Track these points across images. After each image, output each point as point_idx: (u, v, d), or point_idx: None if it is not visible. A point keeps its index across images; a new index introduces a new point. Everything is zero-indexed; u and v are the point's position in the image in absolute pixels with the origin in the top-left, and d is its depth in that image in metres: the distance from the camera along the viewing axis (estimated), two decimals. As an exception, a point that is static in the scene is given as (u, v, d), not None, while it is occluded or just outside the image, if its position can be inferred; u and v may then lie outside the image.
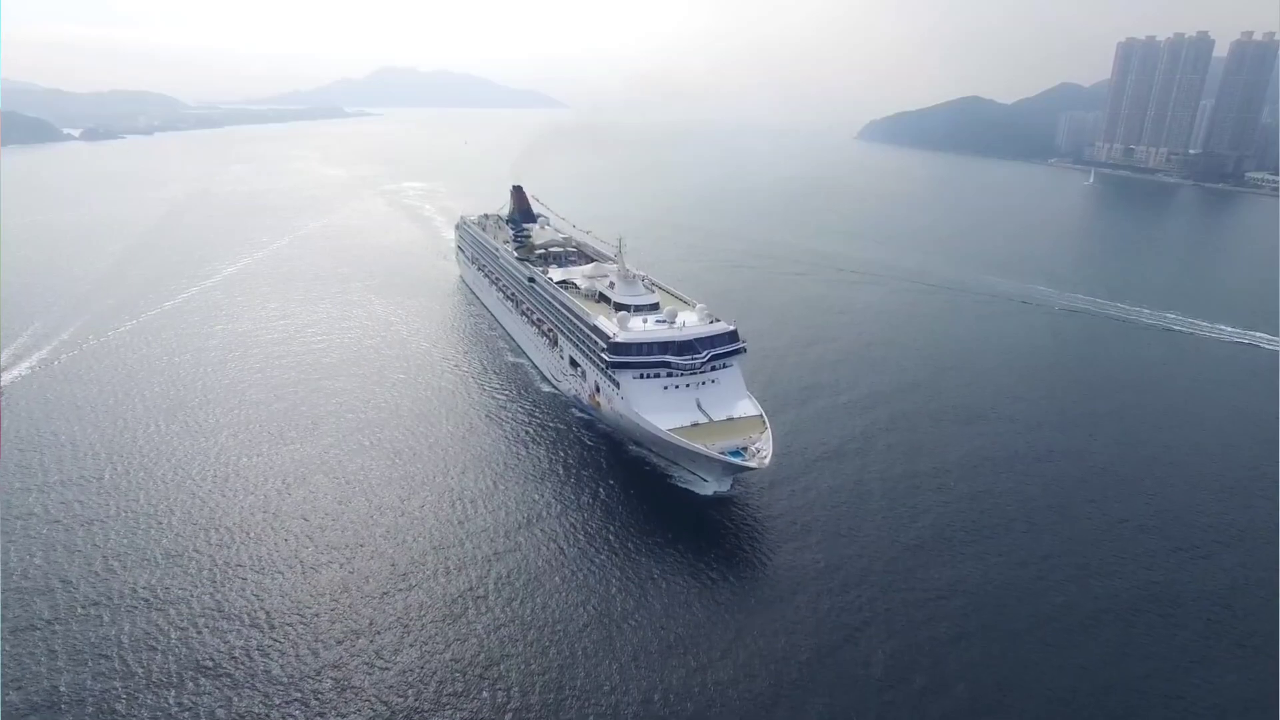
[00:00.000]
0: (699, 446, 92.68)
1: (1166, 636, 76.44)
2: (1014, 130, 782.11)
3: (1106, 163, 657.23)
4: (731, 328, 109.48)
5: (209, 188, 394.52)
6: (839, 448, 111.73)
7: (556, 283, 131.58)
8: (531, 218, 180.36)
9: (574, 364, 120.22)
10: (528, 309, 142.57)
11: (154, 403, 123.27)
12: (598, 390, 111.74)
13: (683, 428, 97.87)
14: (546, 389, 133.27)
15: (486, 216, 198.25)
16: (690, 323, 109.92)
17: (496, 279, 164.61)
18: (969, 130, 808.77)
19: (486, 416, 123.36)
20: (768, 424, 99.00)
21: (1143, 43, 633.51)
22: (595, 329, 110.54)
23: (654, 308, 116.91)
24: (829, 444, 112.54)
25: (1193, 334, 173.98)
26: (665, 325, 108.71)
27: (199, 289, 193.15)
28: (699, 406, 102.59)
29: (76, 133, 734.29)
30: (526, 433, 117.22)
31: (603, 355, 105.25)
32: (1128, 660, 72.75)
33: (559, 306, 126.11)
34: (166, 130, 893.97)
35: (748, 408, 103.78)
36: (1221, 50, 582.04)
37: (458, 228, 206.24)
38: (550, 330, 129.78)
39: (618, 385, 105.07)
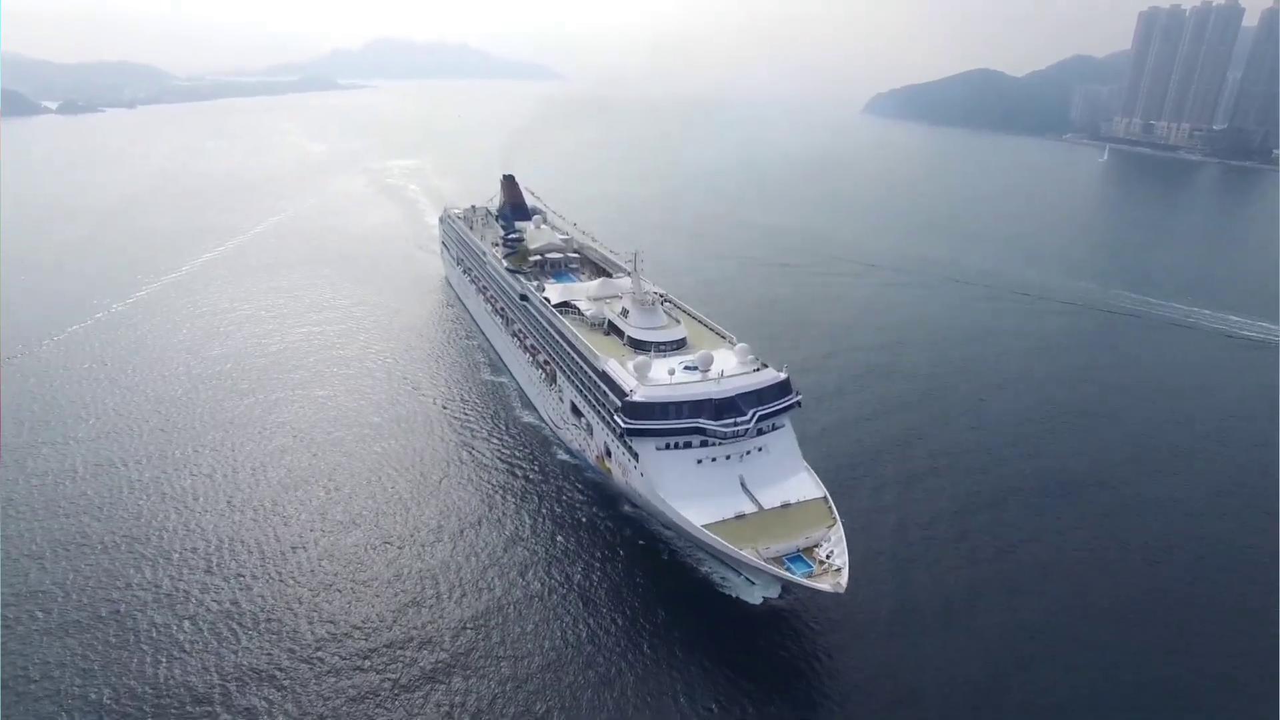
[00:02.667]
0: (749, 556, 68.55)
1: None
2: (1026, 104, 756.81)
3: (1125, 139, 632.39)
4: (782, 376, 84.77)
5: (179, 168, 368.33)
6: (929, 530, 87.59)
7: (554, 305, 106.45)
8: (525, 213, 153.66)
9: (576, 412, 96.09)
10: (520, 331, 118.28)
11: (82, 424, 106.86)
12: (608, 454, 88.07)
13: (724, 521, 73.83)
14: (536, 421, 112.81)
15: (474, 209, 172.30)
16: (729, 368, 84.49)
17: (484, 288, 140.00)
18: (979, 104, 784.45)
19: (462, 464, 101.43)
20: (835, 512, 75.04)
21: (1166, 11, 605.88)
22: (606, 378, 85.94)
23: (680, 346, 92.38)
24: (916, 523, 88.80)
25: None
26: (697, 374, 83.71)
27: (143, 294, 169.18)
28: (743, 486, 78.54)
29: (53, 105, 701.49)
30: (513, 492, 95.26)
31: (617, 418, 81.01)
32: None
33: (558, 338, 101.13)
34: (151, 103, 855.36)
35: (807, 486, 79.63)
36: (1251, 20, 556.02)
37: (442, 221, 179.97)
38: (547, 363, 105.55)
39: (636, 457, 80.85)
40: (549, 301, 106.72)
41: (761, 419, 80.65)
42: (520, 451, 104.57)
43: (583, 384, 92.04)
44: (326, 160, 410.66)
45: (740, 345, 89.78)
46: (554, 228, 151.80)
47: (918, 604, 75.31)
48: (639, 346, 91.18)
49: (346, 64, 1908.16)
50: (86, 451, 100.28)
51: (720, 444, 79.05)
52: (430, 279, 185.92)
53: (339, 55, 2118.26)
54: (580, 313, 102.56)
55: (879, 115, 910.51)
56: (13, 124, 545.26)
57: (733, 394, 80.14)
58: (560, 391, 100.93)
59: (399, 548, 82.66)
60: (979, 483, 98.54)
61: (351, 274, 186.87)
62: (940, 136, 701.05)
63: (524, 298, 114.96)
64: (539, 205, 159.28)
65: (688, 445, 79.49)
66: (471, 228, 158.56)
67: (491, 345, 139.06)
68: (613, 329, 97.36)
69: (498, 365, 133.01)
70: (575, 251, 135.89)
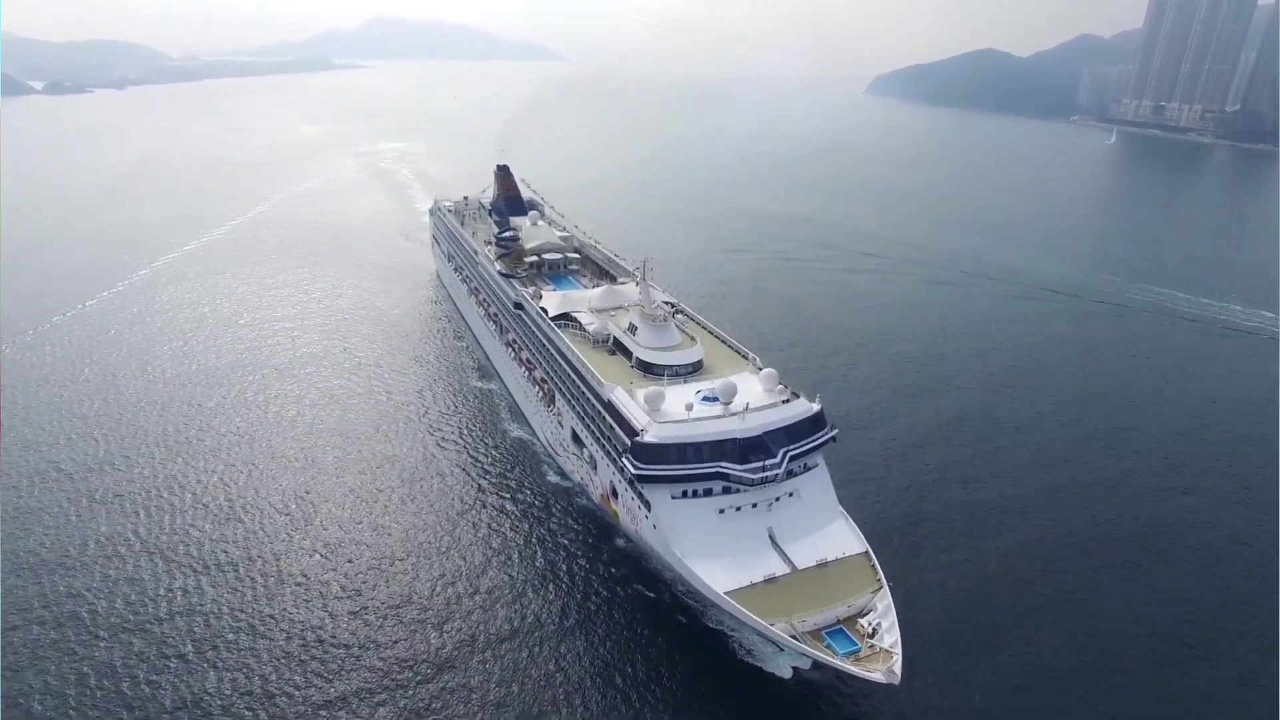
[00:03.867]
0: (783, 635, 57.65)
1: None
2: (1032, 85, 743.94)
3: (1134, 121, 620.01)
4: (815, 408, 73.52)
5: (165, 151, 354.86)
6: (993, 595, 74.90)
7: (553, 317, 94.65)
8: (520, 207, 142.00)
9: (578, 440, 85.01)
10: (514, 341, 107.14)
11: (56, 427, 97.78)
12: (614, 494, 77.25)
13: (751, 586, 62.83)
14: (527, 436, 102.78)
15: (465, 202, 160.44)
16: (754, 398, 72.52)
17: (476, 289, 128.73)
18: (985, 85, 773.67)
19: (440, 485, 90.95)
20: (880, 572, 64.10)
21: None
22: (613, 410, 74.53)
23: (696, 369, 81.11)
24: (976, 583, 76.26)
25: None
26: (718, 407, 71.81)
27: (112, 293, 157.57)
28: (772, 541, 67.53)
29: (39, 85, 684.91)
30: (498, 520, 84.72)
31: (625, 460, 69.89)
32: None
33: (556, 356, 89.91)
34: (142, 84, 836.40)
35: (846, 539, 68.53)
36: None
37: (432, 213, 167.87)
38: (544, 382, 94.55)
39: (647, 506, 69.98)
40: (546, 313, 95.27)
41: (792, 459, 69.71)
42: (509, 472, 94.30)
43: (585, 412, 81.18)
44: (317, 144, 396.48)
45: (766, 371, 77.42)
46: (552, 223, 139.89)
47: (987, 690, 64.01)
48: (649, 370, 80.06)
49: (342, 44, 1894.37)
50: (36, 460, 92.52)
51: (746, 490, 68.10)
52: (420, 271, 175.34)
53: (335, 35, 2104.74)
54: (582, 327, 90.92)
55: (883, 96, 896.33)
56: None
57: (758, 431, 69.15)
58: (559, 415, 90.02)
59: (362, 577, 74.16)
60: (1047, 531, 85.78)
61: (336, 267, 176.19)
62: (945, 119, 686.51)
63: (519, 306, 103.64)
64: (536, 198, 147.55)
65: (708, 492, 68.66)
66: (463, 222, 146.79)
67: (482, 348, 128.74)
68: (619, 347, 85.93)
69: (487, 370, 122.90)
70: (575, 252, 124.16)
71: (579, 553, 78.83)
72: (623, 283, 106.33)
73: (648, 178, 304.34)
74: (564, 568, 76.61)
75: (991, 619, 71.46)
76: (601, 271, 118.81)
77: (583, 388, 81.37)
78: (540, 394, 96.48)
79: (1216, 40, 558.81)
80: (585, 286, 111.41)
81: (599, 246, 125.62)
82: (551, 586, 73.79)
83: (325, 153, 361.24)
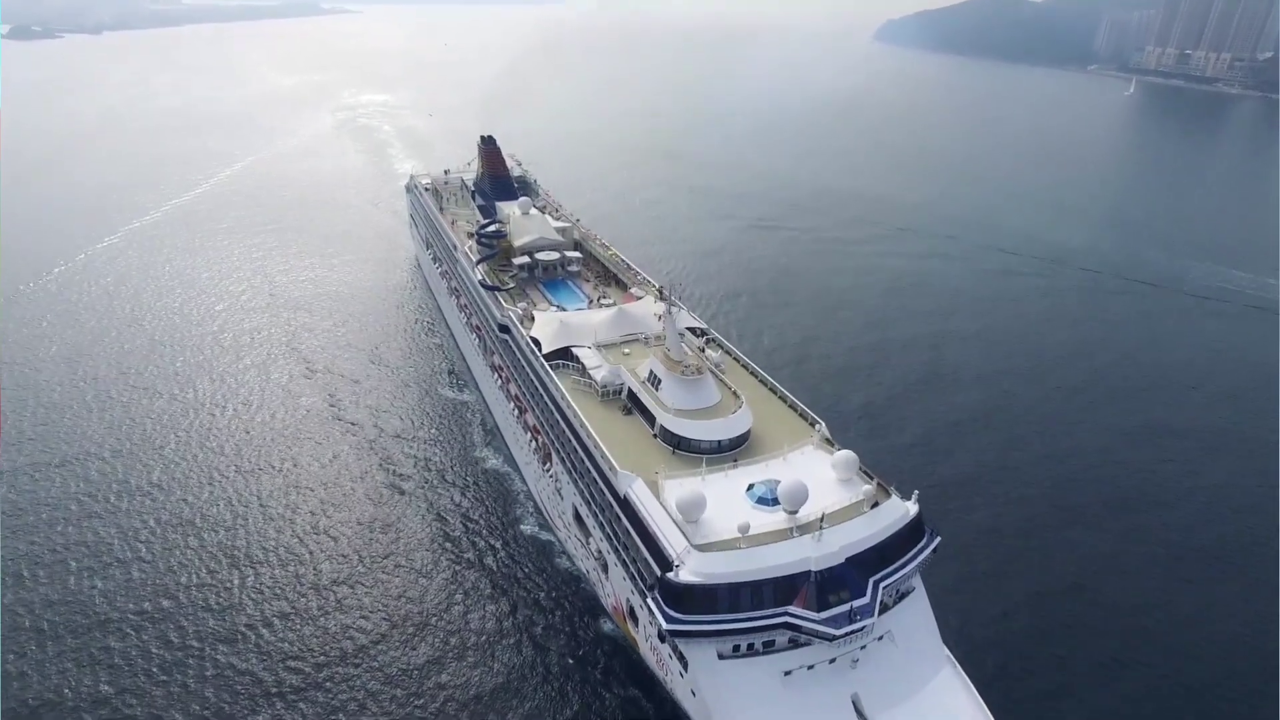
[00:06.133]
0: None
1: None
2: (1047, 32, 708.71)
3: (1157, 70, 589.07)
4: (913, 512, 53.58)
5: (130, 106, 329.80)
6: None
7: (548, 354, 72.35)
8: (509, 188, 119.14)
9: (582, 523, 65.16)
10: (499, 366, 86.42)
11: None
12: (632, 616, 57.11)
13: None
14: (502, 466, 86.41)
15: (446, 178, 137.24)
16: (826, 494, 51.81)
17: (455, 290, 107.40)
18: (998, 32, 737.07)
19: (387, 537, 73.97)
20: None
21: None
22: (632, 514, 53.66)
23: (742, 442, 60.51)
24: None
25: None
26: (779, 514, 50.72)
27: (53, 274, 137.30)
28: (858, 713, 47.93)
29: (3, 30, 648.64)
30: (457, 591, 67.28)
31: (653, 605, 49.40)
32: None
33: (554, 411, 69.01)
34: (119, 29, 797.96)
35: (958, 699, 49.03)
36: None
37: (409, 190, 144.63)
38: (538, 431, 73.97)
39: (684, 663, 50.18)
40: (539, 347, 73.91)
41: (884, 587, 49.63)
42: (478, 517, 77.21)
43: (593, 498, 60.83)
44: (296, 97, 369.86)
45: (842, 454, 55.31)
46: (546, 210, 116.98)
47: None
48: (679, 445, 59.27)
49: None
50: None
51: (822, 643, 48.09)
52: (396, 249, 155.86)
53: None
54: (586, 372, 69.22)
55: (891, 43, 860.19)
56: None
57: (842, 558, 48.78)
58: (557, 481, 69.66)
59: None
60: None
61: (302, 242, 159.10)
62: (957, 68, 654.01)
63: (504, 330, 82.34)
64: (528, 177, 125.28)
65: (768, 646, 48.64)
66: (443, 205, 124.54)
67: (459, 348, 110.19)
68: (635, 404, 64.69)
69: (462, 375, 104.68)
70: (575, 249, 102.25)
71: (567, 654, 61.19)
72: (637, 296, 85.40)
73: (657, 140, 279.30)
74: (539, 675, 59.35)
75: None
76: (607, 274, 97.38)
77: (589, 466, 60.77)
78: (533, 444, 76.14)
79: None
80: (588, 296, 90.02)
81: (602, 241, 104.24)
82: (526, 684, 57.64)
83: (301, 107, 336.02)
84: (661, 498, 52.71)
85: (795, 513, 50.43)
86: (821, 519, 49.62)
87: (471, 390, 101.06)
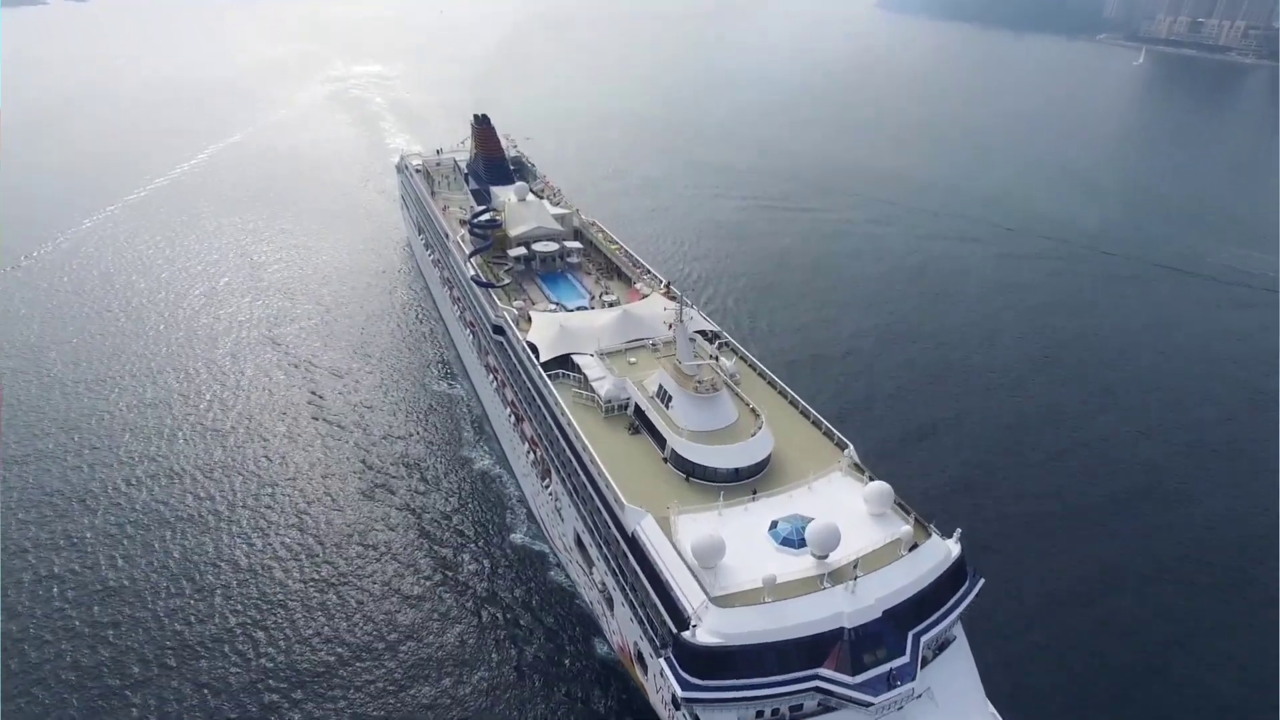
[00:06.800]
0: None
1: None
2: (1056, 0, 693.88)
3: (1167, 39, 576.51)
4: (955, 553, 47.98)
5: (111, 77, 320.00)
6: None
7: (545, 363, 66.21)
8: (504, 172, 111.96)
9: (585, 552, 59.65)
10: (494, 367, 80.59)
11: None
12: (640, 662, 51.61)
13: None
14: (493, 467, 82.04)
15: (439, 158, 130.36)
16: (859, 534, 46.41)
17: (448, 280, 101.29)
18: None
19: (365, 546, 69.38)
20: None
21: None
22: (641, 557, 48.04)
23: (763, 468, 54.45)
24: None
25: None
26: (805, 557, 45.45)
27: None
28: None
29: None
30: (436, 614, 62.21)
31: (666, 666, 43.42)
32: None
33: (553, 427, 63.09)
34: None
35: None
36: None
37: (400, 170, 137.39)
38: (536, 443, 68.22)
39: None
40: (536, 353, 67.84)
41: (925, 641, 44.11)
42: (468, 524, 72.86)
43: (596, 528, 55.18)
44: (283, 68, 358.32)
45: (875, 486, 49.31)
46: (544, 195, 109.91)
47: None
48: (692, 473, 53.46)
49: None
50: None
51: (854, 707, 42.61)
52: (387, 229, 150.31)
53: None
54: (588, 383, 63.05)
55: (893, 10, 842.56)
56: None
57: (879, 611, 43.11)
58: (557, 502, 64.06)
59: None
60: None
61: (290, 222, 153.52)
62: (965, 38, 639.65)
63: (499, 331, 76.24)
64: (524, 159, 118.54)
65: (795, 710, 43.08)
66: (434, 189, 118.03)
67: (452, 340, 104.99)
68: (644, 423, 58.70)
69: (453, 368, 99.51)
70: (575, 239, 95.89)
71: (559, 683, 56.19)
72: (642, 293, 79.31)
73: (660, 120, 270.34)
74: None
75: None
76: (610, 267, 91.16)
77: (592, 493, 55.02)
78: (530, 456, 70.55)
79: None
80: (589, 291, 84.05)
81: (603, 229, 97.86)
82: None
83: (290, 79, 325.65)
84: (674, 538, 46.95)
85: (825, 558, 44.74)
86: (855, 565, 43.95)
87: (463, 383, 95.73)
